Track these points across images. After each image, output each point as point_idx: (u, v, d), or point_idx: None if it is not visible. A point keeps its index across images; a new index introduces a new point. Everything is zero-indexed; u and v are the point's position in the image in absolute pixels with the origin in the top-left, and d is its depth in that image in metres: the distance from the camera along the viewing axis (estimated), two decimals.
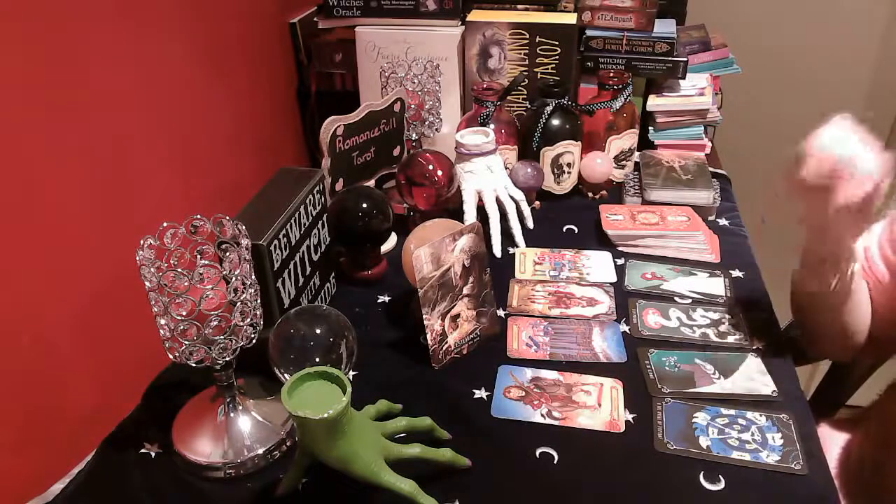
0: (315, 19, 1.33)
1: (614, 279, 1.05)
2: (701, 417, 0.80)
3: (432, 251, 0.84)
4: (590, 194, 1.28)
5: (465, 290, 0.89)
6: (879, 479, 0.88)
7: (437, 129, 1.23)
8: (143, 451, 0.78)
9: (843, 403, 1.12)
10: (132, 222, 0.84)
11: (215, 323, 0.68)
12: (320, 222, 0.96)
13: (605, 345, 0.92)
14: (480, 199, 1.10)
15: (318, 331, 0.77)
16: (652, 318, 0.96)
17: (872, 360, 1.06)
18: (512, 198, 1.13)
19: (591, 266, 1.08)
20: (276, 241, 0.82)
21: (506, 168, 1.16)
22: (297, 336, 0.77)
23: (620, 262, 1.09)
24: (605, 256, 1.10)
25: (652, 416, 0.80)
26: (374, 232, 1.01)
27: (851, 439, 0.99)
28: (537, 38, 1.26)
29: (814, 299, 0.87)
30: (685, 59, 1.30)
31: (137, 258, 0.65)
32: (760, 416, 0.80)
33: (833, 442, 0.99)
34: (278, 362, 0.77)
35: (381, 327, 0.96)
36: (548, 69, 1.28)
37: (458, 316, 0.89)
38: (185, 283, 0.65)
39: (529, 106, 1.28)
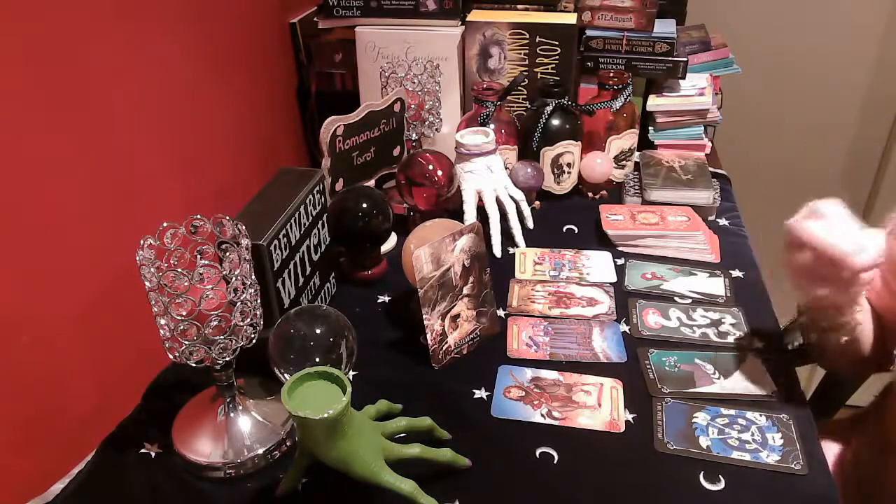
0: (315, 19, 1.33)
1: (614, 279, 1.05)
2: (701, 417, 0.80)
3: (432, 251, 0.84)
4: (590, 194, 1.28)
5: (465, 290, 0.89)
6: (876, 481, 0.88)
7: (437, 129, 1.23)
8: (143, 451, 0.78)
9: (842, 403, 1.12)
10: (132, 222, 0.84)
11: (215, 323, 0.68)
12: (320, 222, 0.96)
13: (605, 345, 0.92)
14: (480, 199, 1.10)
15: (318, 331, 0.77)
16: (652, 318, 0.96)
17: (877, 371, 1.05)
18: (512, 198, 1.13)
19: (591, 266, 1.08)
20: (276, 241, 0.82)
21: (506, 168, 1.16)
22: (297, 336, 0.77)
23: (620, 262, 1.09)
24: (605, 256, 1.10)
25: (652, 416, 0.80)
26: (374, 232, 1.01)
27: (848, 441, 0.99)
28: (537, 38, 1.26)
29: (822, 336, 0.87)
30: (685, 59, 1.30)
31: (137, 258, 0.65)
32: (760, 416, 0.80)
33: (830, 445, 0.99)
34: (278, 362, 0.77)
35: (381, 327, 0.96)
36: (548, 69, 1.28)
37: (458, 316, 0.89)
38: (185, 283, 0.65)
39: (529, 106, 1.28)
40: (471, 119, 1.21)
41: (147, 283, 0.65)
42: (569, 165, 1.23)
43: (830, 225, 0.73)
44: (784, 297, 0.94)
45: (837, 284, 0.74)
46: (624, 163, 1.29)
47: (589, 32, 1.31)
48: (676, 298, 1.00)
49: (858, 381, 1.10)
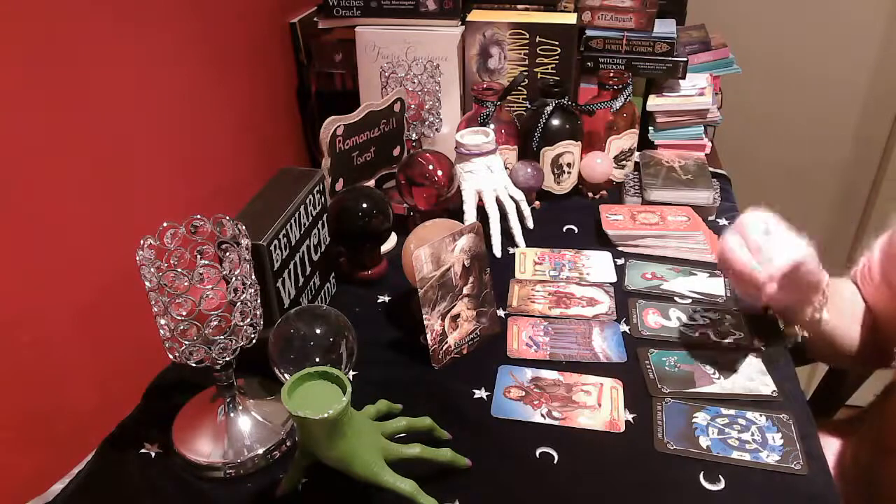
0: (315, 19, 1.33)
1: (614, 279, 1.05)
2: (701, 417, 0.80)
3: (432, 251, 0.84)
4: (590, 194, 1.28)
5: (465, 290, 0.89)
6: (876, 481, 0.88)
7: (437, 129, 1.23)
8: (143, 451, 0.78)
9: (842, 403, 1.12)
10: (132, 222, 0.84)
11: (215, 323, 0.68)
12: (320, 222, 0.96)
13: (605, 345, 0.92)
14: (480, 199, 1.10)
15: (318, 331, 0.77)
16: (652, 318, 0.96)
17: (878, 367, 1.05)
18: (512, 198, 1.13)
19: (591, 266, 1.08)
20: (276, 241, 0.82)
21: (506, 168, 1.16)
22: (297, 336, 0.77)
23: (620, 262, 1.09)
24: (605, 256, 1.10)
25: (652, 416, 0.80)
26: (374, 232, 1.01)
27: (848, 441, 0.99)
28: (537, 38, 1.26)
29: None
30: (685, 59, 1.30)
31: (137, 258, 0.65)
32: (760, 416, 0.80)
33: (829, 444, 0.99)
34: (278, 362, 0.77)
35: (381, 327, 0.96)
36: (548, 69, 1.28)
37: (458, 316, 0.89)
38: (185, 283, 0.65)
39: (529, 106, 1.28)
40: (471, 119, 1.21)
41: (147, 283, 0.65)
42: (569, 165, 1.23)
43: (745, 239, 0.77)
44: None
45: (754, 293, 0.77)
46: (624, 163, 1.29)
47: (589, 32, 1.31)
48: (676, 298, 1.00)
49: (858, 380, 1.10)
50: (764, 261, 0.75)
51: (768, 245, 0.76)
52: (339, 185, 1.08)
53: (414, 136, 1.21)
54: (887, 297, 0.87)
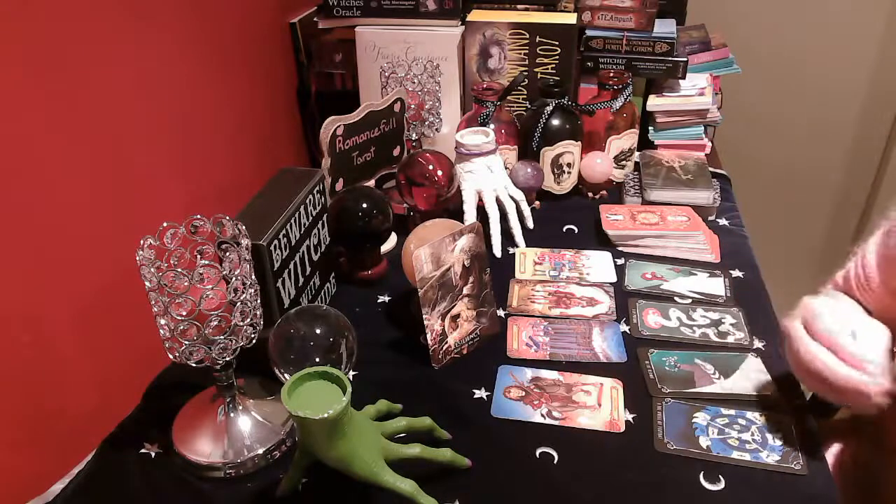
0: (315, 19, 1.33)
1: (614, 279, 1.05)
2: (701, 417, 0.80)
3: (432, 251, 0.85)
4: (590, 194, 1.28)
5: (465, 290, 0.89)
6: (876, 481, 0.88)
7: (437, 129, 1.23)
8: (143, 451, 0.78)
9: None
10: (132, 222, 0.84)
11: (215, 323, 0.68)
12: (320, 222, 0.96)
13: (605, 345, 0.92)
14: (480, 199, 1.10)
15: (318, 331, 0.77)
16: (652, 318, 0.96)
17: None
18: (512, 198, 1.13)
19: (591, 266, 1.08)
20: (276, 241, 0.82)
21: (506, 168, 1.16)
22: (297, 336, 0.77)
23: (620, 262, 1.09)
24: (605, 256, 1.10)
25: (652, 416, 0.80)
26: (374, 232, 1.01)
27: (848, 441, 0.98)
28: (537, 38, 1.26)
29: None
30: (685, 59, 1.30)
31: (137, 258, 0.65)
32: (760, 416, 0.80)
33: (829, 444, 0.98)
34: (278, 362, 0.77)
35: (381, 327, 0.96)
36: (548, 69, 1.28)
37: (458, 316, 0.89)
38: (185, 283, 0.65)
39: (529, 106, 1.28)
40: (471, 119, 1.21)
41: (147, 283, 0.65)
42: (569, 165, 1.23)
43: (835, 341, 0.71)
44: (784, 297, 0.94)
45: (856, 404, 0.72)
46: (624, 163, 1.29)
47: (589, 32, 1.31)
48: (676, 298, 1.00)
49: None
50: (867, 369, 0.69)
51: (863, 348, 0.70)
52: (339, 185, 1.08)
53: (414, 136, 1.21)
54: (889, 303, 0.86)
